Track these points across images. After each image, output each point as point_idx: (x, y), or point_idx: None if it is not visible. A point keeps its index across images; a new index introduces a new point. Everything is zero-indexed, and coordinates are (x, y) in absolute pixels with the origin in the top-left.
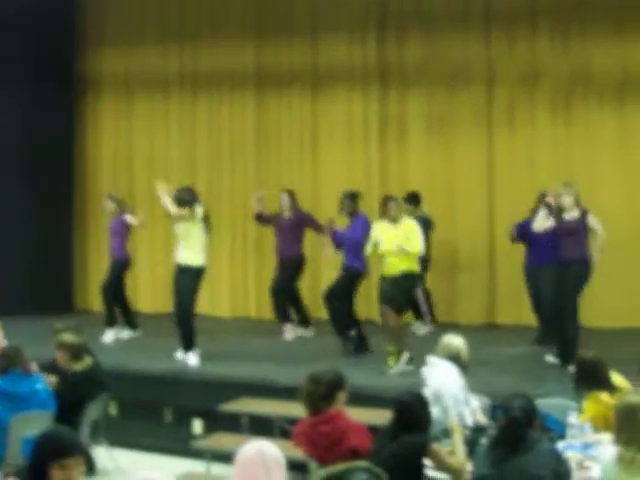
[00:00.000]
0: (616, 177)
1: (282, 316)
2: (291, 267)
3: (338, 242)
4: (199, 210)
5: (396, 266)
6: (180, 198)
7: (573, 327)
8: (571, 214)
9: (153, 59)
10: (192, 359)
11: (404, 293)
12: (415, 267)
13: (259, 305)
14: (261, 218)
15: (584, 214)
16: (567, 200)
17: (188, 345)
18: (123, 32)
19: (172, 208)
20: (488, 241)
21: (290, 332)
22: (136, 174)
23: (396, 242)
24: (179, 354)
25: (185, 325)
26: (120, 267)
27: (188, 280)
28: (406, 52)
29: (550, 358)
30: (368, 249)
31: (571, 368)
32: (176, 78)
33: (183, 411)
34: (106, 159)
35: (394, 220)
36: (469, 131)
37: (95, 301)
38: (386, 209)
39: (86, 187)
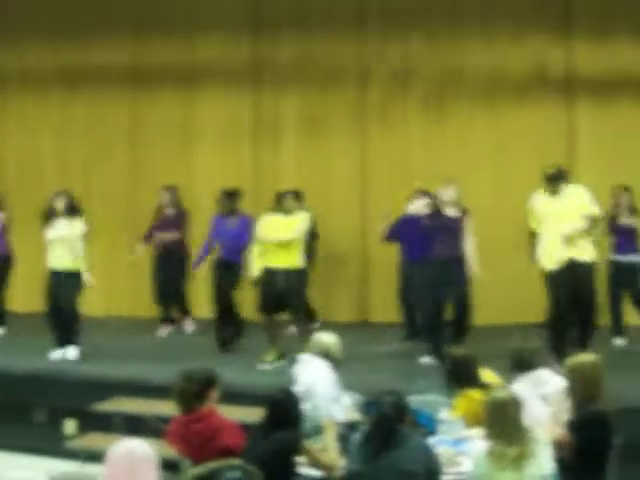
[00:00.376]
0: (488, 174)
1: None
2: (180, 262)
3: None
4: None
5: (284, 261)
6: (73, 206)
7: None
8: (451, 211)
9: (28, 56)
10: (73, 352)
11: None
12: (302, 263)
13: (133, 303)
14: (149, 239)
15: (464, 213)
16: (448, 194)
17: (75, 339)
18: None
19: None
20: (361, 238)
21: (165, 329)
22: (9, 173)
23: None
24: (55, 354)
25: (75, 324)
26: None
27: (75, 282)
28: (280, 51)
29: (425, 359)
30: (255, 246)
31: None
32: (52, 76)
33: (57, 411)
34: None
35: (288, 212)
36: (343, 129)
37: None
38: (282, 202)
39: None
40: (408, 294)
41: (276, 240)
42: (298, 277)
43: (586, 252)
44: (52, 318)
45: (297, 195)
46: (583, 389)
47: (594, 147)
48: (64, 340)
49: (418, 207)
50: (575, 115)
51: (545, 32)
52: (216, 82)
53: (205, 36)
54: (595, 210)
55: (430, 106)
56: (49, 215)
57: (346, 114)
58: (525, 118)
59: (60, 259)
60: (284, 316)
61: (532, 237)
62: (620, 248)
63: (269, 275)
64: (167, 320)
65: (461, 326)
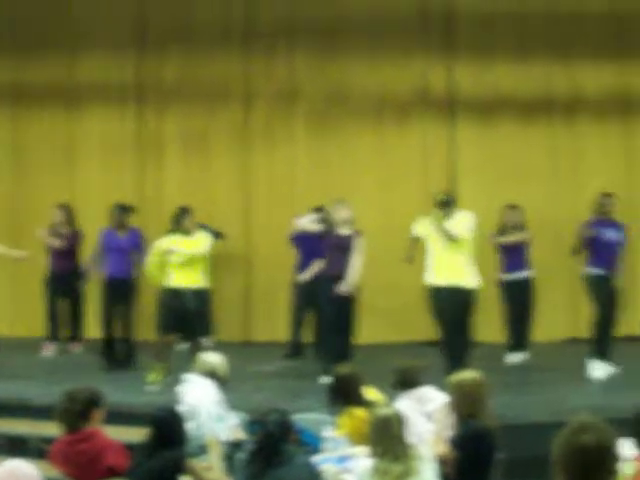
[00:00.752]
0: (372, 191)
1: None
2: (73, 282)
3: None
4: None
5: (189, 280)
6: None
7: (339, 341)
8: (343, 231)
9: None
10: None
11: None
12: (206, 283)
13: (13, 322)
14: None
15: (355, 234)
16: (342, 214)
17: None
18: None
19: None
20: (245, 257)
21: (50, 349)
22: None
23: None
24: None
25: None
26: None
27: None
28: (165, 70)
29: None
30: (151, 261)
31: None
32: None
33: None
34: None
35: (187, 232)
36: (227, 147)
37: None
38: (181, 222)
39: None
40: (300, 309)
41: (184, 254)
42: (203, 298)
43: (465, 279)
44: None
45: (186, 211)
46: (465, 406)
47: (475, 165)
48: None
49: (304, 222)
50: (457, 135)
51: (428, 54)
52: (100, 100)
53: (89, 54)
54: (464, 234)
55: (315, 125)
56: None
57: (230, 132)
58: (409, 137)
59: None
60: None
61: (413, 242)
62: (507, 266)
63: (174, 295)
64: (53, 340)
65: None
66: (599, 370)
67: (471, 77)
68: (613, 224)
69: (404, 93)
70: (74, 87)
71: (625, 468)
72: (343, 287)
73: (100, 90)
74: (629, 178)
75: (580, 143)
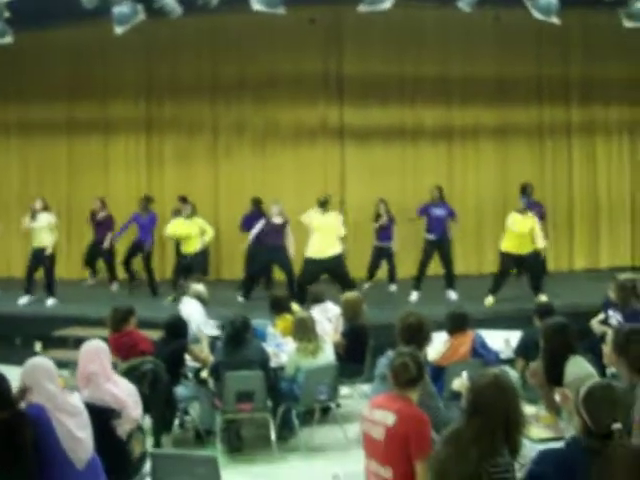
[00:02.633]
0: (291, 191)
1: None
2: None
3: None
4: None
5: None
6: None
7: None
8: (277, 219)
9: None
10: (49, 302)
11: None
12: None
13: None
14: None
15: (285, 223)
16: (275, 209)
17: (52, 293)
18: None
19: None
20: (216, 227)
21: (114, 285)
22: None
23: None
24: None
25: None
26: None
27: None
28: (163, 109)
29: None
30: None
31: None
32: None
33: (28, 337)
34: None
35: (188, 217)
36: (203, 162)
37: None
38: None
39: None
40: (250, 264)
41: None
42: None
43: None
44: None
45: (185, 199)
46: (350, 312)
47: (357, 173)
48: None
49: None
50: (345, 153)
51: (328, 100)
52: (122, 131)
53: (115, 100)
54: (342, 232)
55: (257, 148)
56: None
57: (205, 152)
58: (315, 155)
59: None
60: None
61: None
62: (379, 237)
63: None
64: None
65: (291, 282)
66: (452, 294)
67: (354, 115)
68: (441, 205)
69: (312, 126)
70: (107, 122)
71: (442, 346)
72: (291, 253)
73: (123, 124)
74: (451, 177)
75: (420, 158)
